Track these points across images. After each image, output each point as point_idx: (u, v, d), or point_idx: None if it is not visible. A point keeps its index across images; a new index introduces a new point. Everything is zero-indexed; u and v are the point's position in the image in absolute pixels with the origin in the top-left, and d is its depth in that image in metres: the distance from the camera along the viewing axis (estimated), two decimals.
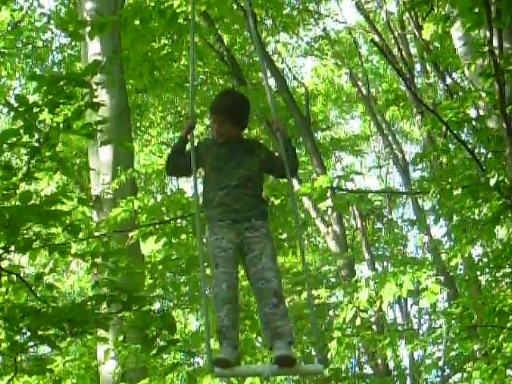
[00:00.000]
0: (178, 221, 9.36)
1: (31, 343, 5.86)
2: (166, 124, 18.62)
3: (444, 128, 9.92)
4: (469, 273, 11.16)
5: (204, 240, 4.77)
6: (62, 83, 5.34)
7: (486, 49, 6.84)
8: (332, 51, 19.75)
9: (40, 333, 5.66)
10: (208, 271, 4.71)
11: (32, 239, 5.77)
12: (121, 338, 8.78)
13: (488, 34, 6.76)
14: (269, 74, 16.13)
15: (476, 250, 11.44)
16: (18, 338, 5.76)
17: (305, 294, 12.41)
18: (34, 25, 15.67)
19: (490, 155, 8.43)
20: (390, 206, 21.49)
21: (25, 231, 5.67)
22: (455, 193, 8.13)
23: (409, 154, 21.06)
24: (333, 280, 16.29)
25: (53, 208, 5.51)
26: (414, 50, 16.00)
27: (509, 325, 9.17)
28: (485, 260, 10.55)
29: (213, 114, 4.81)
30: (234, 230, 4.66)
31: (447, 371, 15.29)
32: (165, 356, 10.54)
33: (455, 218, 9.73)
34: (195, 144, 4.80)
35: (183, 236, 9.57)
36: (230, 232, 4.65)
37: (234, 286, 4.56)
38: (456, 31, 10.25)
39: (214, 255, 4.59)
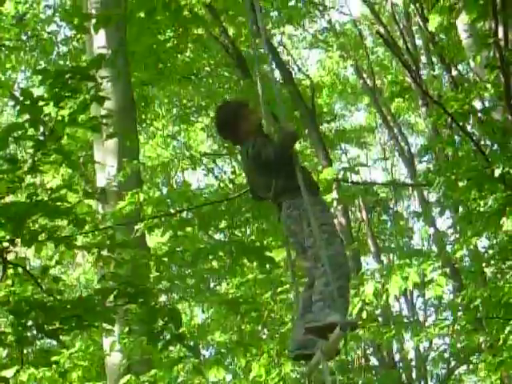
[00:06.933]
0: (184, 213, 9.36)
1: (37, 336, 5.87)
2: (172, 117, 18.60)
3: (449, 120, 9.91)
4: (474, 265, 11.14)
5: None
6: (67, 77, 5.34)
7: (492, 40, 6.83)
8: (337, 43, 19.70)
9: (46, 326, 5.67)
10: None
11: (38, 232, 5.77)
12: (126, 329, 8.79)
13: (493, 25, 6.75)
14: (274, 66, 16.14)
15: (482, 242, 11.43)
16: (24, 330, 5.77)
17: None
18: (39, 17, 15.64)
19: (495, 147, 8.42)
20: (395, 198, 21.46)
21: (31, 224, 5.68)
22: (460, 184, 8.12)
23: (414, 145, 21.04)
24: None
25: (58, 203, 5.51)
26: (419, 42, 15.97)
27: None
28: (490, 252, 10.52)
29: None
30: None
31: (453, 363, 15.31)
32: (171, 348, 10.54)
33: (461, 209, 9.71)
34: None
35: (189, 228, 9.57)
36: None
37: None
38: (461, 23, 10.22)
39: (334, 228, 4.63)
